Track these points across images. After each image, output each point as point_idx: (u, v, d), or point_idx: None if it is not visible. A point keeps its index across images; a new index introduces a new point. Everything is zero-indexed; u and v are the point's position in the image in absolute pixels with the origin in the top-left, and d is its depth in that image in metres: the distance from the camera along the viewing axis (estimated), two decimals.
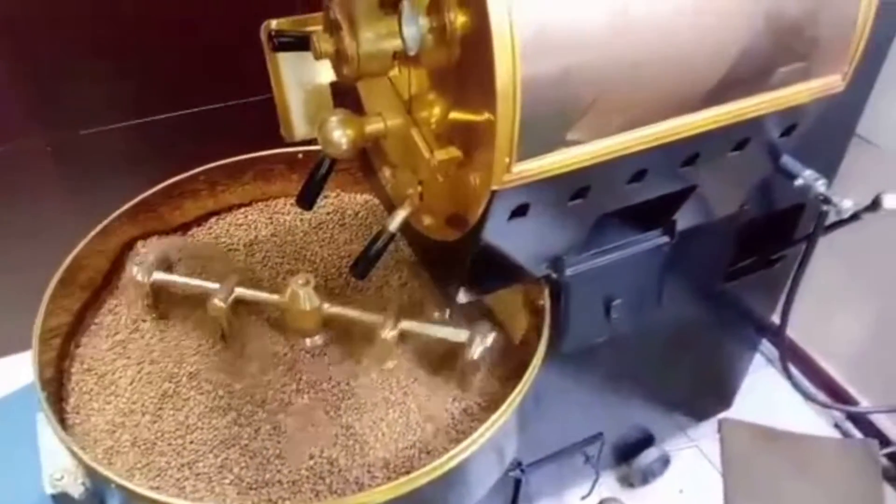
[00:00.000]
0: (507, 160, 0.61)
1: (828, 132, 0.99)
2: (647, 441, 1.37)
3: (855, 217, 0.97)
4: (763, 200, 1.01)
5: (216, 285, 0.89)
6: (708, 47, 0.66)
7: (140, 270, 0.90)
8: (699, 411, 1.46)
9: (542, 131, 0.62)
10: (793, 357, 1.54)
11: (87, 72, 1.32)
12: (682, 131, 0.69)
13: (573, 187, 0.70)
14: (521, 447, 0.97)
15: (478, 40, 0.58)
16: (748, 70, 0.70)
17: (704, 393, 1.41)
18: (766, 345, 1.53)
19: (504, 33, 0.56)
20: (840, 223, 0.97)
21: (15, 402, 1.15)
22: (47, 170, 1.38)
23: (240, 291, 0.88)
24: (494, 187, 0.63)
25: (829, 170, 1.06)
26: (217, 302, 0.86)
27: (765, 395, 1.50)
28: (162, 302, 0.93)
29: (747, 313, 1.27)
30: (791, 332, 1.55)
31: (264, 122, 0.98)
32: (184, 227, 1.05)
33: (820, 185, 0.89)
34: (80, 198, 1.36)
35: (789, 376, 1.27)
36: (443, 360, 0.89)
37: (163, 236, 1.02)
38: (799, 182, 0.90)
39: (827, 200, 0.89)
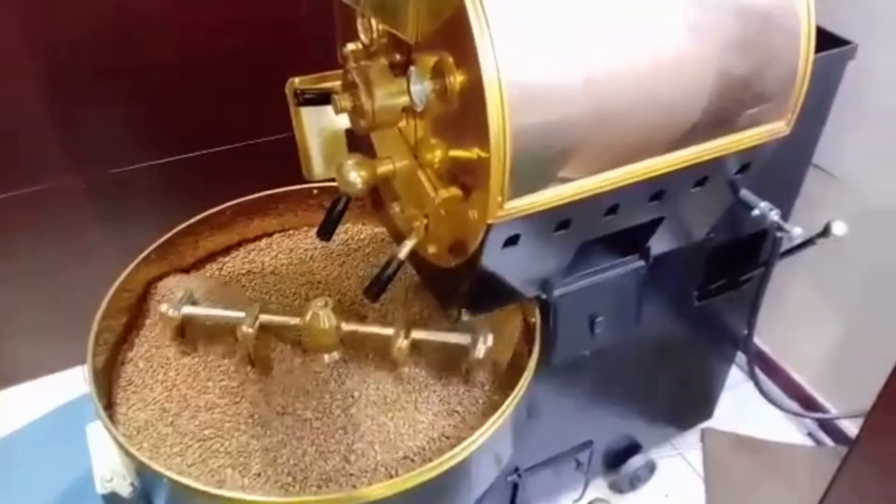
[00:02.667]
0: (499, 198, 0.73)
1: (783, 168, 1.12)
2: (634, 449, 1.47)
3: (810, 242, 1.10)
4: (727, 228, 1.13)
5: (241, 314, 0.98)
6: (668, 101, 0.78)
7: (170, 307, 1.00)
8: (682, 421, 1.56)
9: (529, 173, 0.73)
10: (767, 369, 1.66)
11: (119, 115, 1.45)
12: (648, 172, 0.81)
13: (557, 220, 0.82)
14: (518, 453, 1.08)
15: (474, 98, 0.69)
16: (704, 119, 0.82)
17: (686, 403, 1.52)
18: (744, 359, 1.65)
19: (495, 92, 0.67)
20: (795, 248, 1.09)
21: (65, 414, 1.25)
22: (82, 206, 1.50)
23: (265, 318, 0.99)
24: (490, 221, 0.75)
25: (786, 200, 1.19)
26: (245, 329, 0.96)
27: (744, 406, 1.61)
28: (190, 334, 1.04)
29: (721, 329, 1.39)
30: (766, 346, 1.68)
31: (283, 159, 1.10)
32: (212, 256, 1.17)
33: (774, 215, 1.01)
34: (112, 231, 1.48)
35: (756, 383, 1.38)
36: (450, 368, 1.00)
37: (184, 274, 1.13)
38: (756, 212, 1.02)
39: (781, 228, 1.01)
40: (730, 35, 0.79)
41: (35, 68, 1.35)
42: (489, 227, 0.76)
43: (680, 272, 1.18)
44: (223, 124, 1.52)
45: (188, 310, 1.01)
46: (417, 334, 0.97)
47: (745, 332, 1.29)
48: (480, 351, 0.94)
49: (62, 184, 1.48)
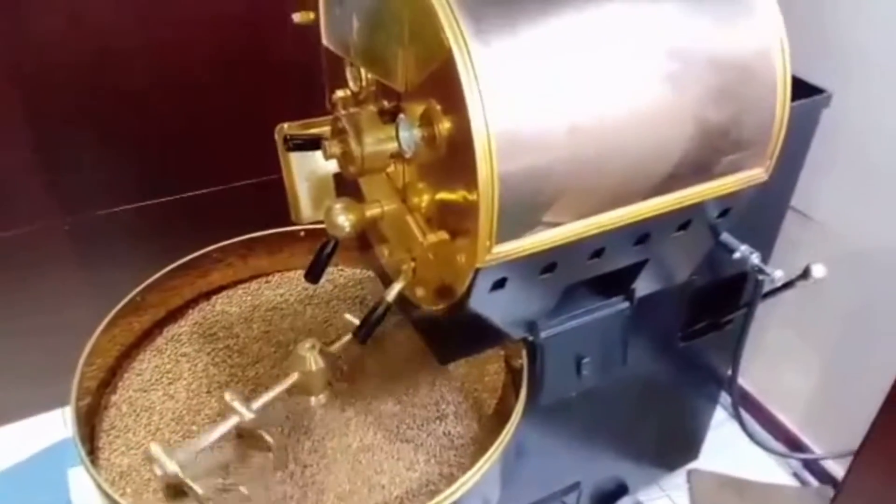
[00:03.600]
0: (488, 243, 0.74)
1: (762, 211, 1.13)
2: (622, 490, 1.47)
3: (790, 285, 1.12)
4: (710, 271, 1.15)
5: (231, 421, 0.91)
6: (648, 149, 0.80)
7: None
8: (669, 462, 1.56)
9: (517, 218, 0.74)
10: (752, 410, 1.67)
11: (101, 158, 1.45)
12: (631, 217, 0.83)
13: (543, 263, 0.83)
14: (505, 496, 1.07)
15: (462, 145, 0.70)
16: (684, 166, 0.83)
17: (672, 444, 1.52)
18: (729, 399, 1.65)
19: (483, 140, 0.69)
20: (776, 290, 1.11)
21: (47, 458, 1.23)
22: (64, 249, 1.50)
23: (256, 405, 0.93)
24: (478, 265, 0.76)
25: (766, 243, 1.22)
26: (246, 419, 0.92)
27: (730, 446, 1.61)
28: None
29: (705, 370, 1.40)
30: (750, 386, 1.69)
31: (267, 201, 1.11)
32: (197, 300, 1.17)
33: (754, 258, 1.03)
34: (94, 274, 1.47)
35: (741, 424, 1.39)
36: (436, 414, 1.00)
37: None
38: (737, 255, 1.04)
39: (761, 271, 1.03)
40: (707, 86, 0.81)
41: (21, 112, 1.36)
42: (477, 270, 0.77)
43: (664, 313, 1.19)
44: (207, 167, 1.53)
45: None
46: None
47: (730, 372, 1.30)
48: None
49: (45, 226, 1.48)
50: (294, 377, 0.98)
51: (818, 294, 1.40)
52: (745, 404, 1.65)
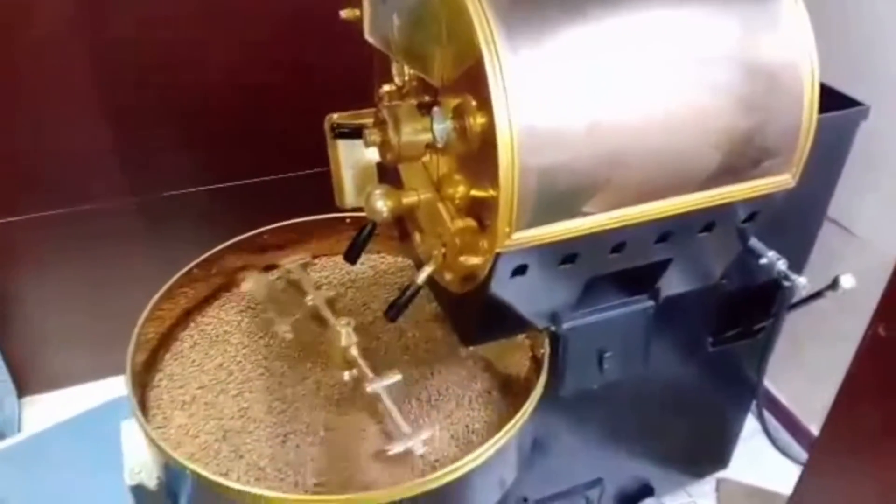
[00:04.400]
0: (507, 229, 0.79)
1: (795, 219, 1.15)
2: (646, 492, 1.49)
3: (818, 295, 1.13)
4: (739, 276, 1.16)
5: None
6: (670, 150, 0.84)
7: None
8: (696, 468, 1.57)
9: (535, 208, 0.79)
10: (784, 420, 1.66)
11: (173, 144, 1.57)
12: (651, 214, 0.86)
13: (563, 253, 0.88)
14: (527, 483, 1.11)
15: (488, 138, 0.77)
16: (707, 169, 0.87)
17: (700, 450, 1.53)
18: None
19: (506, 133, 0.74)
20: (805, 300, 1.12)
21: (102, 412, 1.35)
22: (132, 226, 1.63)
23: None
24: (498, 250, 0.81)
25: (800, 252, 1.22)
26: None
27: (760, 457, 1.61)
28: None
29: (736, 377, 1.41)
30: (782, 397, 1.68)
31: (320, 192, 1.19)
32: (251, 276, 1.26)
33: (781, 265, 1.05)
34: (158, 251, 1.59)
35: (767, 433, 1.39)
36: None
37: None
38: (763, 261, 1.06)
39: (787, 277, 1.05)
40: (732, 92, 0.84)
41: (102, 99, 1.49)
42: (497, 255, 0.82)
43: (692, 316, 1.22)
44: (267, 157, 1.63)
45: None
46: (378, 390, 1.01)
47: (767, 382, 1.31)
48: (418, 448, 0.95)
49: (115, 204, 1.61)
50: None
51: (856, 308, 1.39)
52: (777, 414, 1.64)
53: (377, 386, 1.00)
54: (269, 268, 1.27)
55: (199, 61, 1.50)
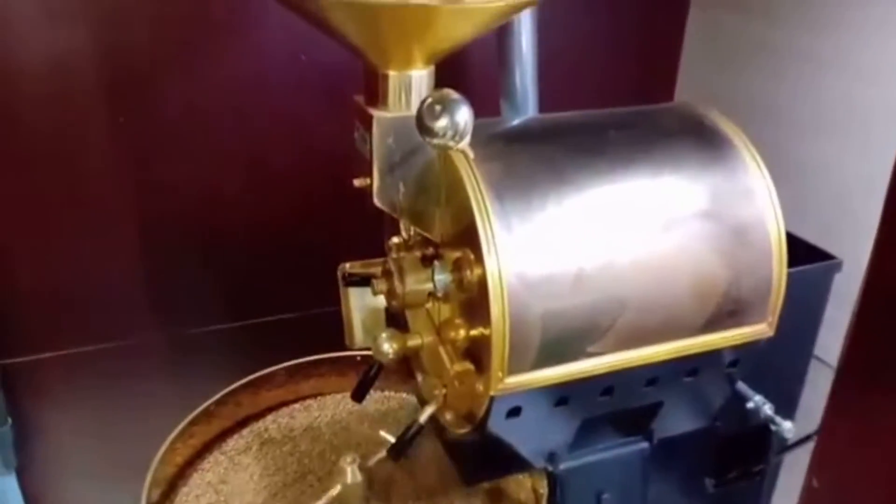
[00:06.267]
0: (500, 374, 0.86)
1: (781, 363, 1.20)
2: None
3: (808, 439, 1.16)
4: (734, 419, 1.20)
5: None
6: (650, 302, 0.91)
7: None
8: None
9: (526, 354, 0.86)
10: None
11: (197, 284, 1.68)
12: (636, 361, 0.93)
13: (555, 397, 0.94)
14: None
15: (481, 289, 0.85)
16: (685, 320, 0.94)
17: None
18: None
19: (497, 286, 0.83)
20: (794, 445, 1.16)
21: None
22: (156, 362, 1.71)
23: None
24: (492, 393, 0.88)
25: (790, 394, 1.27)
26: None
27: None
28: None
29: None
30: None
31: (332, 330, 1.27)
32: (263, 413, 1.32)
33: (767, 409, 1.09)
34: (182, 385, 1.66)
35: None
36: None
37: None
38: (750, 405, 1.11)
39: (773, 421, 1.09)
40: (704, 251, 0.93)
41: (138, 238, 1.62)
42: (492, 398, 0.89)
43: (690, 458, 1.25)
44: (287, 296, 1.73)
45: None
46: None
47: None
48: None
49: (140, 341, 1.70)
50: (336, 489, 1.10)
51: None
52: None
53: None
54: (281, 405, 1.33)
55: (224, 201, 1.64)
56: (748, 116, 1.04)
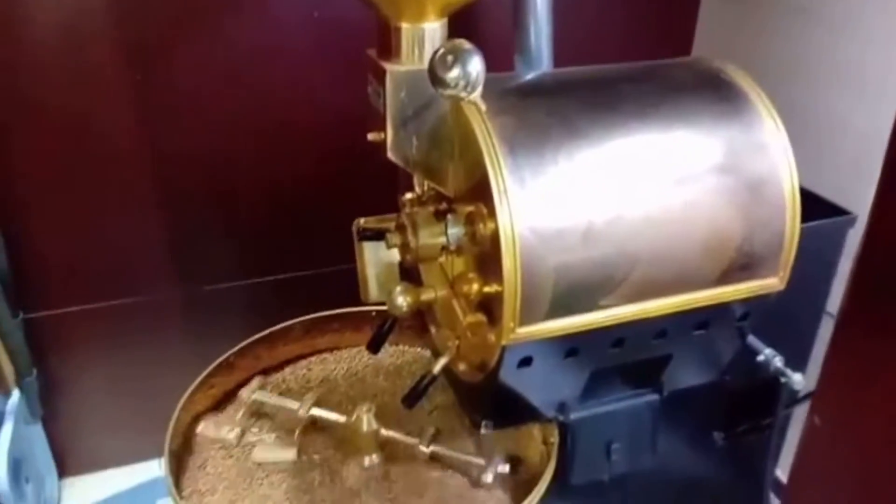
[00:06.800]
0: (512, 324, 0.88)
1: (794, 318, 1.22)
2: None
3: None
4: (744, 373, 1.22)
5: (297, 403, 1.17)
6: (661, 255, 0.92)
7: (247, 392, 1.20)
8: None
9: (537, 306, 0.88)
10: None
11: (214, 242, 1.71)
12: (646, 314, 0.95)
13: (565, 348, 0.96)
14: None
15: (494, 242, 0.86)
16: (697, 271, 0.95)
17: None
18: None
19: (509, 239, 0.84)
20: (804, 398, 1.17)
21: (139, 493, 1.43)
22: (173, 319, 1.75)
23: (315, 411, 1.16)
24: (504, 343, 0.90)
25: (801, 349, 1.28)
26: (300, 412, 1.14)
27: None
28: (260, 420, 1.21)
29: (749, 470, 1.43)
30: None
31: (347, 287, 1.30)
32: (280, 365, 1.35)
33: (777, 361, 1.11)
34: (200, 340, 1.70)
35: None
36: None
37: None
38: (760, 358, 1.12)
39: (783, 374, 1.11)
40: (721, 204, 0.93)
41: (157, 197, 1.64)
42: (504, 348, 0.90)
43: (700, 411, 1.27)
44: (304, 253, 1.75)
45: (258, 395, 1.22)
46: (439, 449, 1.09)
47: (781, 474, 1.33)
48: (489, 476, 1.05)
49: (160, 296, 1.73)
50: (345, 420, 1.14)
51: None
52: None
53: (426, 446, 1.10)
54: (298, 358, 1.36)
55: (239, 161, 1.66)
56: (764, 73, 1.03)
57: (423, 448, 1.09)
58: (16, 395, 1.66)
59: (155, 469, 1.69)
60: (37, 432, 1.74)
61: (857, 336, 0.98)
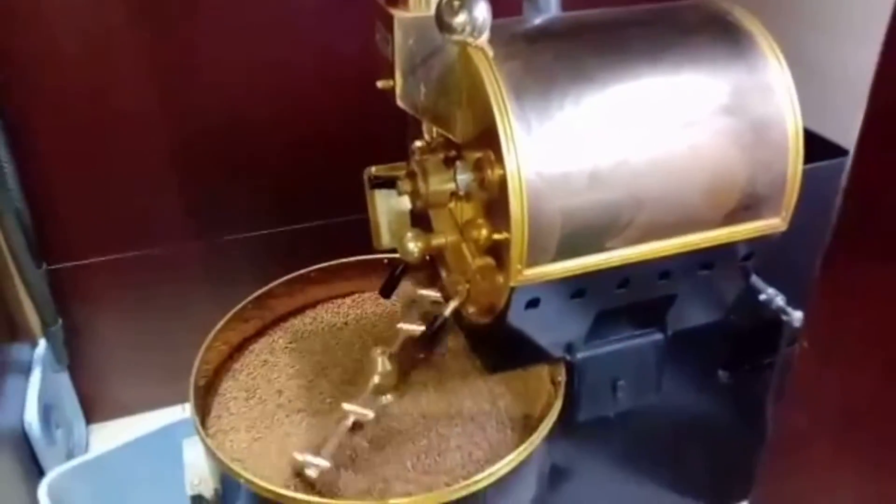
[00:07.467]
0: (519, 266, 0.91)
1: (795, 257, 1.23)
2: None
3: None
4: (746, 312, 1.25)
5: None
6: (666, 197, 0.95)
7: None
8: (716, 499, 1.62)
9: (543, 248, 0.91)
10: None
11: (233, 194, 1.74)
12: (650, 254, 0.97)
13: (572, 289, 0.99)
14: None
15: (501, 187, 0.89)
16: (700, 214, 0.97)
17: (719, 480, 1.59)
18: None
19: (516, 184, 0.86)
20: None
21: (165, 434, 1.50)
22: (193, 268, 1.80)
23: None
24: (511, 284, 0.93)
25: (802, 287, 1.30)
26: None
27: None
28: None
29: (752, 408, 1.47)
30: None
31: (360, 236, 1.33)
32: (299, 310, 1.39)
33: (779, 300, 1.13)
34: (220, 289, 1.74)
35: None
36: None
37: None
38: (763, 297, 1.15)
39: (784, 312, 1.14)
40: (720, 144, 0.95)
41: (174, 150, 1.67)
42: (512, 289, 0.94)
43: (704, 350, 1.30)
44: (320, 203, 1.79)
45: None
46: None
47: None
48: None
49: (179, 247, 1.77)
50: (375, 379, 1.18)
51: None
52: None
53: None
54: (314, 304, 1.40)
55: (258, 115, 1.68)
56: (771, 16, 1.04)
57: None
58: (42, 344, 1.72)
59: (179, 414, 1.75)
60: (63, 380, 1.80)
61: (843, 262, 1.02)
